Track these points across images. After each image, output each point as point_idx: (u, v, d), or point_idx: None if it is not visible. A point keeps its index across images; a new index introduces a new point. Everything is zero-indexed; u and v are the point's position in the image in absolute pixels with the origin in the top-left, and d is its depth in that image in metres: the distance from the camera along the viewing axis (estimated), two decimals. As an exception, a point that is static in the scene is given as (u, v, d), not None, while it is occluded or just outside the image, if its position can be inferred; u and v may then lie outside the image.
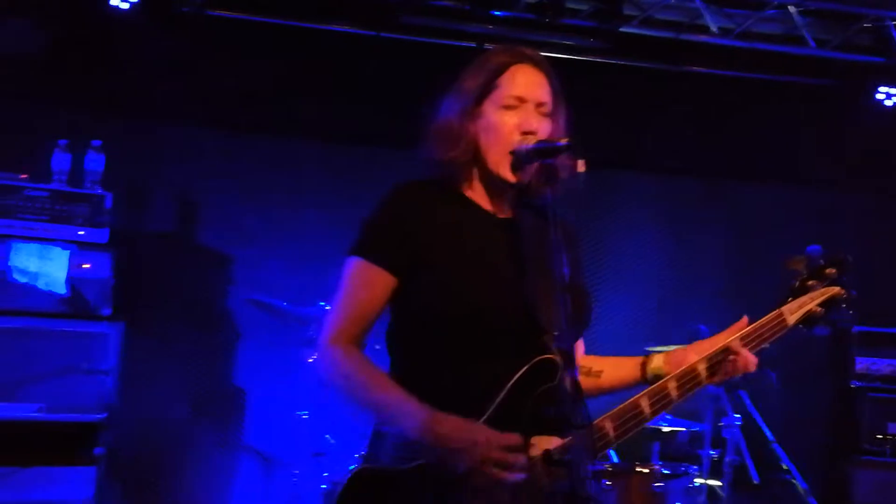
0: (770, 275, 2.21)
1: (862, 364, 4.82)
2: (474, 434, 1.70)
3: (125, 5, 4.36)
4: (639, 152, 5.20)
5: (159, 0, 4.44)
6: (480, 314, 1.82)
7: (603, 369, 2.04)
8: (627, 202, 5.16)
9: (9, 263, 3.75)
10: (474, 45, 4.69)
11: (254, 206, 4.63)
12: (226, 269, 4.65)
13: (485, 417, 1.75)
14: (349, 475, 1.81)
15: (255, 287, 4.29)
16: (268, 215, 4.63)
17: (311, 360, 3.85)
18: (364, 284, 1.87)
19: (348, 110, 4.70)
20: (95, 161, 4.01)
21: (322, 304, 3.82)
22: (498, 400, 1.77)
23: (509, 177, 1.90)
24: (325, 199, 4.66)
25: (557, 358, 1.82)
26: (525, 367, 1.79)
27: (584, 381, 1.92)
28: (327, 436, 3.89)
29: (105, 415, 3.72)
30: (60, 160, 3.97)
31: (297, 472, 3.89)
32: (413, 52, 4.78)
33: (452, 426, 1.71)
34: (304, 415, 3.88)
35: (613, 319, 4.93)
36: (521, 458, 1.70)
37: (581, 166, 1.82)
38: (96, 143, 4.01)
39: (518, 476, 1.69)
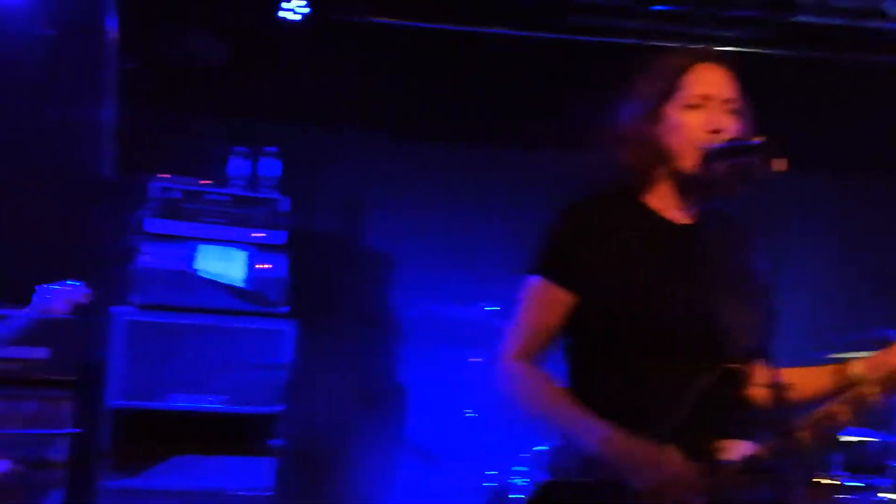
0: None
1: None
2: (657, 461, 1.68)
3: (296, 16, 4.55)
4: (814, 149, 4.96)
5: (327, 10, 4.61)
6: (662, 325, 1.79)
7: (793, 380, 1.96)
8: (800, 203, 4.93)
9: (194, 265, 4.00)
10: (636, 42, 4.60)
11: (420, 209, 4.73)
12: (393, 270, 4.77)
13: (668, 429, 1.71)
14: (536, 486, 1.82)
15: (420, 287, 4.38)
16: (434, 218, 4.72)
17: (474, 361, 3.89)
18: (544, 303, 1.87)
19: (511, 114, 4.70)
20: (271, 166, 4.22)
21: (486, 307, 3.87)
22: (682, 411, 1.73)
23: (699, 175, 1.84)
24: (490, 203, 4.72)
25: (744, 367, 1.78)
26: (711, 377, 1.74)
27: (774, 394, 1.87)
28: (491, 435, 3.92)
29: (282, 408, 3.90)
30: (238, 166, 4.19)
31: (461, 469, 3.94)
32: (573, 51, 4.75)
33: (635, 448, 1.69)
34: (471, 413, 3.92)
35: (791, 328, 4.72)
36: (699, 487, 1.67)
37: (780, 165, 1.74)
38: (271, 149, 4.21)
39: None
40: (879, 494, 3.49)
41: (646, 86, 1.90)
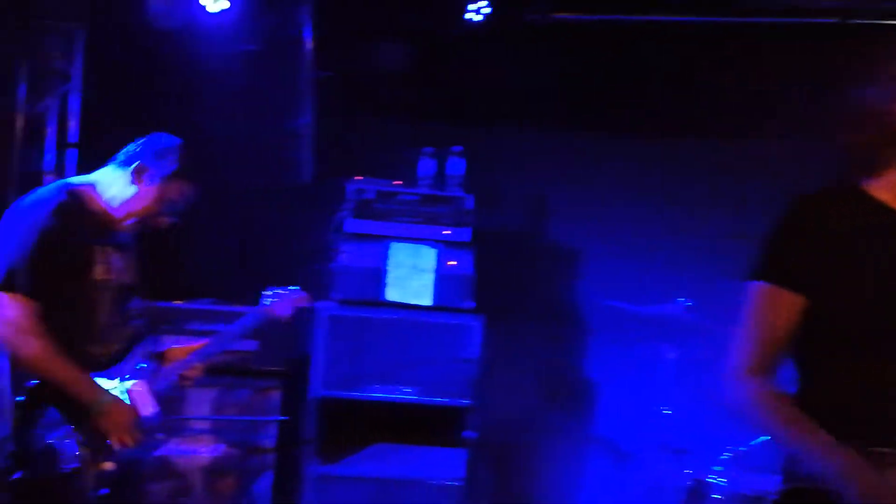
0: None
1: None
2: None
3: (478, 17, 4.64)
4: None
5: (508, 10, 4.68)
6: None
7: None
8: None
9: (387, 262, 4.19)
10: (836, 21, 4.36)
11: (606, 203, 4.72)
12: (577, 266, 4.79)
13: None
14: (783, 492, 1.78)
15: (608, 282, 4.37)
16: (620, 212, 4.70)
17: (672, 357, 3.84)
18: (773, 310, 1.78)
19: (700, 105, 4.60)
20: (457, 165, 4.34)
21: (680, 300, 3.81)
22: None
23: None
24: (677, 195, 4.64)
25: None
26: None
27: None
28: (688, 433, 3.85)
29: (471, 401, 4.01)
30: (426, 166, 4.35)
31: (655, 468, 3.90)
32: (764, 35, 4.57)
33: (874, 483, 1.62)
34: (666, 410, 3.87)
35: None
36: None
37: None
38: (457, 148, 4.33)
39: None
40: None
41: (892, 67, 1.81)
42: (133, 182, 2.69)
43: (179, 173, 2.72)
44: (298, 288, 3.12)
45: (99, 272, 2.63)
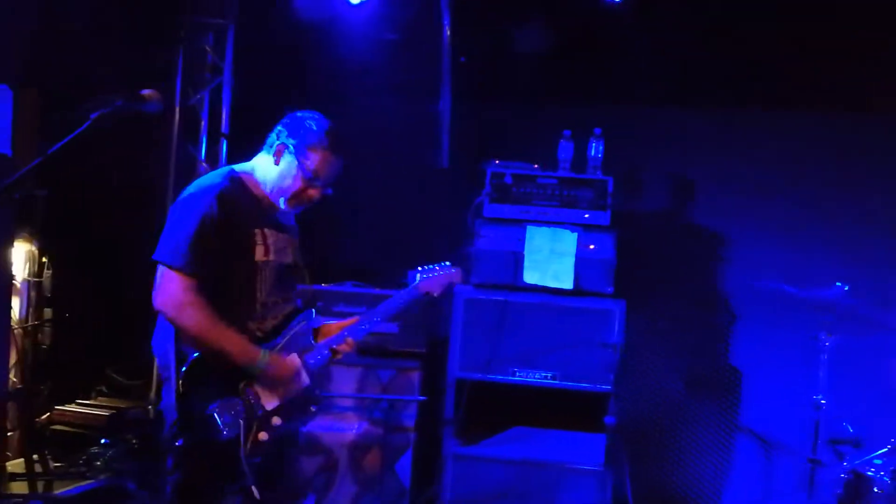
0: None
1: None
2: None
3: (617, -1, 4.56)
4: None
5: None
6: None
7: None
8: None
9: (525, 246, 4.18)
10: None
11: (752, 184, 4.54)
12: (721, 249, 4.64)
13: None
14: None
15: (756, 266, 4.21)
16: (768, 193, 4.51)
17: (828, 345, 3.65)
18: None
19: (861, 79, 4.34)
20: (596, 147, 4.28)
21: (837, 284, 3.62)
22: None
23: None
24: (830, 174, 4.42)
25: None
26: None
27: None
28: (845, 424, 3.67)
29: (612, 386, 3.95)
30: (565, 149, 4.30)
31: (808, 459, 3.73)
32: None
33: None
34: (822, 400, 3.68)
35: None
36: None
37: None
38: (597, 130, 4.27)
39: None
40: None
41: None
42: (276, 162, 2.78)
43: (317, 143, 2.75)
44: (450, 265, 3.12)
45: (259, 253, 2.73)
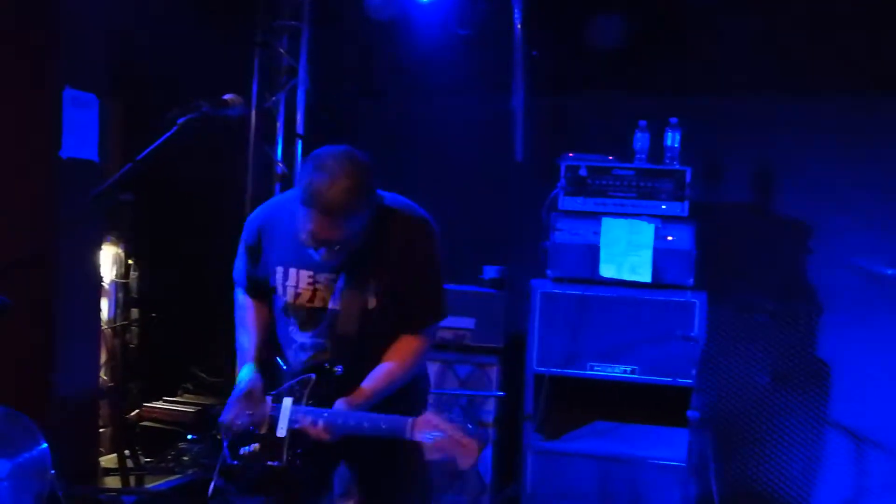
0: None
1: None
2: None
3: (692, -16, 4.46)
4: None
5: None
6: None
7: None
8: None
9: (601, 238, 4.13)
10: None
11: (837, 171, 4.39)
12: (806, 239, 4.50)
13: None
14: None
15: (843, 255, 4.07)
16: (855, 180, 4.35)
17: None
18: None
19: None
20: (673, 137, 4.20)
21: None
22: None
23: None
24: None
25: None
26: None
27: None
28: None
29: (694, 380, 3.87)
30: (641, 139, 4.23)
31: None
32: None
33: None
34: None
35: None
36: None
37: None
38: (673, 120, 4.19)
39: None
40: None
41: None
42: None
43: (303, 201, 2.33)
44: (472, 428, 2.32)
45: (281, 291, 2.57)
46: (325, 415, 2.39)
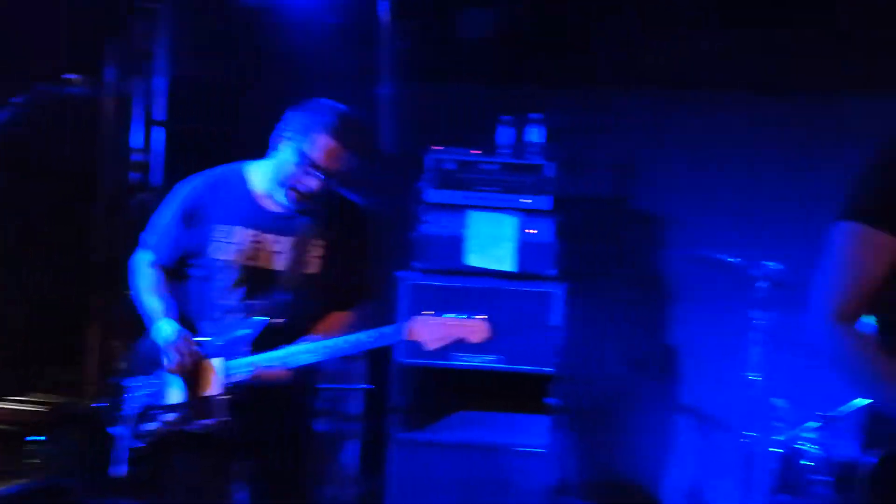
0: None
1: None
2: None
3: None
4: None
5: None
6: None
7: None
8: None
9: (467, 230, 4.19)
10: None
11: (693, 166, 4.62)
12: (661, 230, 4.71)
13: None
14: (885, 456, 1.68)
15: (695, 247, 4.27)
16: (708, 174, 4.59)
17: (761, 322, 3.76)
18: (866, 253, 1.68)
19: (789, 61, 4.43)
20: (536, 133, 4.30)
21: (769, 263, 3.72)
22: None
23: None
24: (766, 155, 4.51)
25: None
26: None
27: None
28: (777, 400, 3.77)
29: (555, 368, 3.99)
30: (505, 134, 4.32)
31: (744, 436, 3.82)
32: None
33: None
34: (755, 377, 3.79)
35: None
36: None
37: None
38: (537, 116, 4.29)
39: None
40: None
41: None
42: (270, 156, 2.64)
43: (319, 128, 2.54)
44: (468, 316, 2.65)
45: (220, 251, 2.62)
46: (287, 351, 2.53)
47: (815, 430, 3.51)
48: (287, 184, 2.58)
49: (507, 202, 4.17)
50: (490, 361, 4.07)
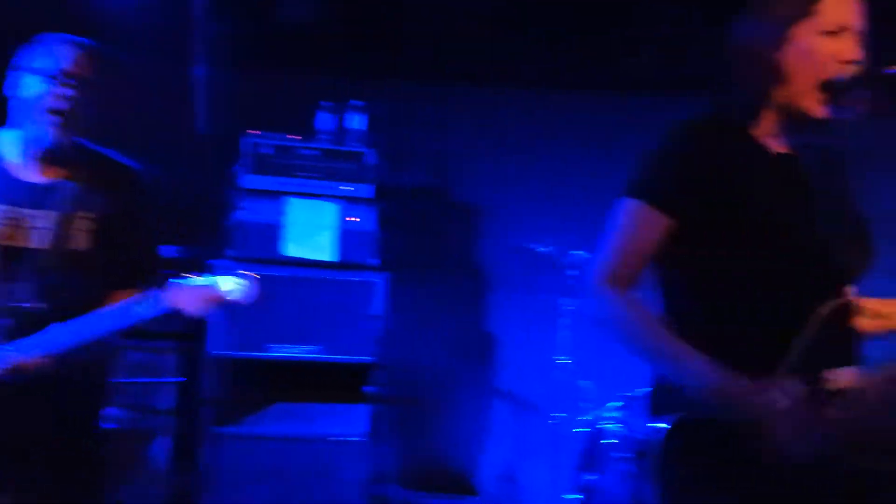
0: None
1: None
2: (768, 398, 1.61)
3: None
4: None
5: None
6: (776, 256, 1.73)
7: (891, 311, 1.92)
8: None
9: (286, 218, 4.08)
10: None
11: (508, 158, 4.73)
12: (482, 221, 4.79)
13: (790, 360, 1.66)
14: (671, 426, 1.74)
15: (510, 237, 4.39)
16: (523, 166, 4.72)
17: (570, 308, 3.91)
18: (642, 228, 1.77)
19: (607, 57, 4.60)
20: (358, 120, 4.26)
21: (578, 252, 3.86)
22: (798, 345, 1.67)
23: (814, 110, 1.76)
24: (577, 148, 4.68)
25: (853, 300, 1.75)
26: (827, 309, 1.69)
27: (873, 324, 1.86)
28: (584, 382, 3.94)
29: (375, 357, 3.97)
30: (325, 120, 4.24)
31: (553, 417, 3.97)
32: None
33: (746, 384, 1.62)
34: (564, 360, 3.93)
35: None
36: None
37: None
38: (357, 103, 4.24)
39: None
40: None
41: (776, 6, 1.80)
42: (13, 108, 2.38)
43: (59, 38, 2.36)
44: (223, 274, 2.55)
45: None
46: (42, 335, 2.25)
47: (617, 409, 3.68)
48: (42, 107, 2.31)
49: (328, 189, 4.09)
50: (309, 352, 4.00)
